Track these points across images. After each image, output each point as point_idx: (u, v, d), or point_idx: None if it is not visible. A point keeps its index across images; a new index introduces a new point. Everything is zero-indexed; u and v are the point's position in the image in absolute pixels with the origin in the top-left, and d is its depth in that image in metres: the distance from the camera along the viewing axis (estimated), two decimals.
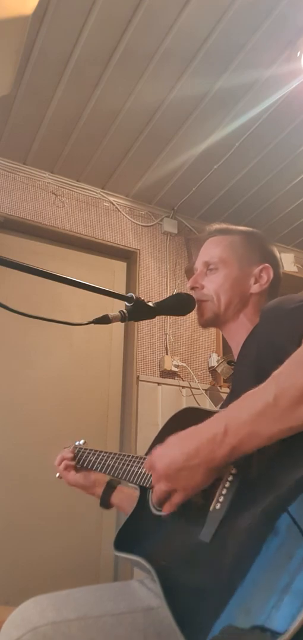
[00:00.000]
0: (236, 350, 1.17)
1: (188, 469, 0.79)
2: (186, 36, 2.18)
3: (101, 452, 1.26)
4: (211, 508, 0.80)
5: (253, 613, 0.65)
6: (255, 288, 1.19)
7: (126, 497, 1.28)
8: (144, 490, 1.03)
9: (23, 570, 2.50)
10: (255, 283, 1.19)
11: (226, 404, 1.18)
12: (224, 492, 0.80)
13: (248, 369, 1.01)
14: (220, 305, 1.19)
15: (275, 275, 1.21)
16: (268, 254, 1.24)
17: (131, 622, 0.92)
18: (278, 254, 1.27)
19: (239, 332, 1.17)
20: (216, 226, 1.29)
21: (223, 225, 1.29)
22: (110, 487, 1.30)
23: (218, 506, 0.79)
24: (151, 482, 0.89)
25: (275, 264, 1.23)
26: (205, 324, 1.23)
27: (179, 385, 3.14)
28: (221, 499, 0.80)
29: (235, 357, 1.17)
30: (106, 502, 1.30)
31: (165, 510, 0.84)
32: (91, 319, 1.10)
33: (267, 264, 1.20)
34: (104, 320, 1.10)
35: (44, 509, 2.61)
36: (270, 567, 0.67)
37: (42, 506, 2.61)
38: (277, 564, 0.67)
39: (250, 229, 1.30)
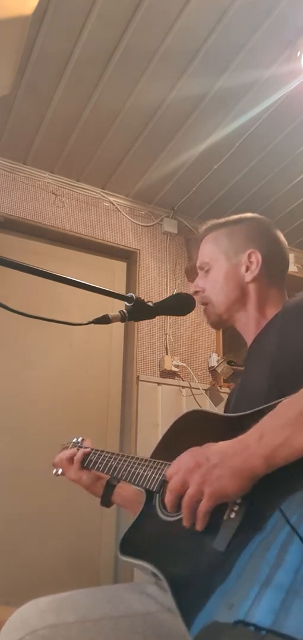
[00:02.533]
0: (248, 342, 1.16)
1: (222, 468, 0.75)
2: (186, 36, 2.18)
3: (102, 451, 1.23)
4: (225, 517, 0.78)
5: (236, 606, 0.65)
6: (248, 276, 1.15)
7: (127, 494, 1.26)
8: (150, 494, 1.00)
9: (23, 570, 2.50)
10: (246, 271, 1.16)
11: (235, 396, 1.16)
12: (239, 501, 0.78)
13: (261, 364, 1.00)
14: (219, 304, 1.18)
15: (264, 256, 1.16)
16: (253, 237, 1.19)
17: (130, 624, 0.91)
18: (270, 234, 1.22)
19: (249, 324, 1.16)
20: (205, 226, 1.27)
21: (212, 222, 1.26)
22: (110, 486, 1.28)
23: (232, 515, 0.77)
24: (169, 484, 0.83)
25: (263, 245, 1.18)
26: (212, 326, 1.23)
27: (179, 385, 3.14)
28: (235, 508, 0.78)
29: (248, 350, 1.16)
30: (106, 501, 1.28)
31: (200, 527, 0.78)
32: (91, 319, 1.09)
33: (252, 249, 1.16)
34: (104, 320, 1.09)
35: (44, 509, 2.61)
36: (251, 559, 0.67)
37: (42, 506, 2.60)
38: (258, 555, 0.67)
39: (235, 217, 1.25)
